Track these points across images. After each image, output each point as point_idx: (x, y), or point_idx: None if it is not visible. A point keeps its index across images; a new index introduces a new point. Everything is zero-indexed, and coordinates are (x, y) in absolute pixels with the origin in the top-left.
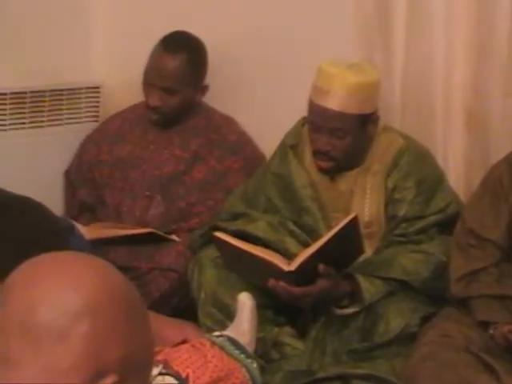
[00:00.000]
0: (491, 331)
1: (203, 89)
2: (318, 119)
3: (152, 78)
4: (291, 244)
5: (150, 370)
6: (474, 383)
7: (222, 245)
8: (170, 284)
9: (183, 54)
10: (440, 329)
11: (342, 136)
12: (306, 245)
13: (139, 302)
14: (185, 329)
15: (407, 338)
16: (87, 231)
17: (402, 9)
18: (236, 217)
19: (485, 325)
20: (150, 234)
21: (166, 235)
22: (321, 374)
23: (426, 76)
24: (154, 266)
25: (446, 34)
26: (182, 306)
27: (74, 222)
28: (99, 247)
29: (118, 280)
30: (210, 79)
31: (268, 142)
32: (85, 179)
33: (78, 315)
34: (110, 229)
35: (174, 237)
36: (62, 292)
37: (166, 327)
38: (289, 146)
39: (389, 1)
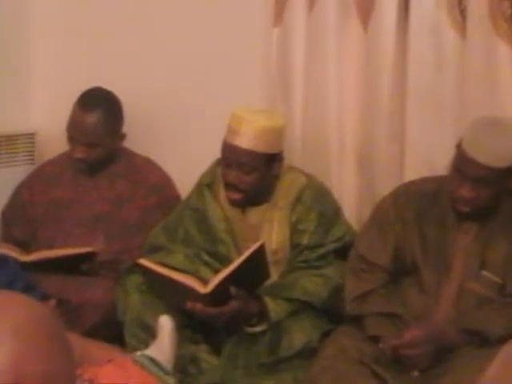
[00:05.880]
0: (381, 344)
1: (122, 137)
2: (228, 155)
3: (74, 134)
4: (206, 272)
5: None
6: None
7: (146, 271)
8: (100, 317)
9: (99, 111)
10: (337, 343)
11: (249, 171)
12: (218, 273)
13: (59, 328)
14: (111, 350)
15: (309, 352)
16: (23, 256)
17: (300, 71)
18: (156, 249)
19: (375, 339)
20: (86, 254)
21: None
22: None
23: (322, 125)
24: (84, 302)
25: (339, 91)
26: (110, 334)
27: (9, 253)
28: (32, 275)
29: (38, 307)
30: (130, 126)
31: (184, 183)
32: (19, 218)
33: (2, 337)
34: (45, 251)
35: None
36: None
37: (92, 349)
38: (205, 185)
39: (289, 63)
